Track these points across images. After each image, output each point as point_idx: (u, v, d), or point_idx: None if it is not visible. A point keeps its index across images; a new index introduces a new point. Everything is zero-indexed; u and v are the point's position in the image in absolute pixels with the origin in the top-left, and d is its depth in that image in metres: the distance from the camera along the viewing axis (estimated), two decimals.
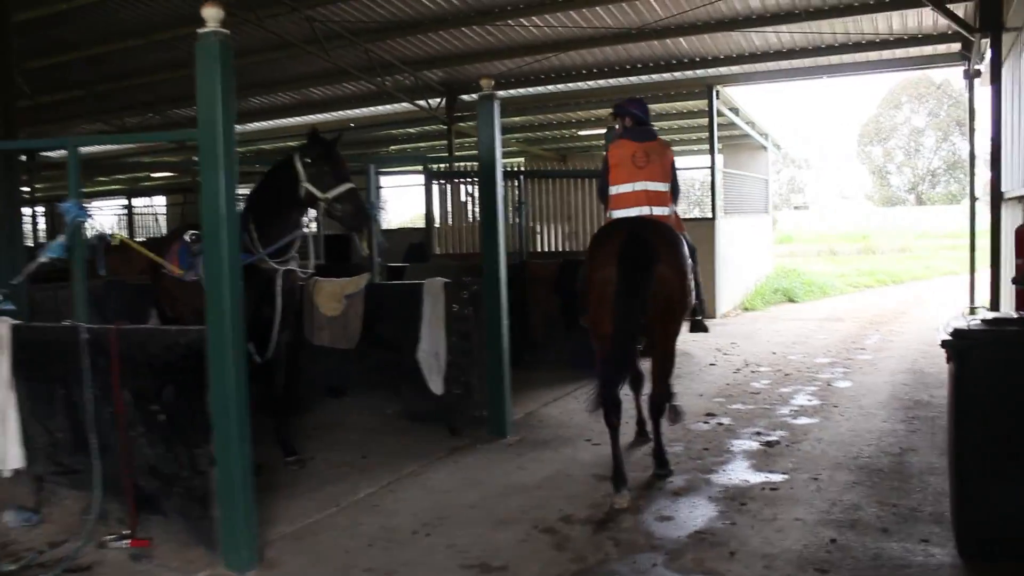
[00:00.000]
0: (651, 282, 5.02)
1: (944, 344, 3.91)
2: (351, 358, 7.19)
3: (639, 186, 5.69)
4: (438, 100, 16.01)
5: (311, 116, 18.06)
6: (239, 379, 4.15)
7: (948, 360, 3.97)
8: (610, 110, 6.60)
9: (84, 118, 18.13)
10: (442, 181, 11.90)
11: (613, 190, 5.80)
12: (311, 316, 7.22)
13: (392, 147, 20.87)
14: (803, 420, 6.82)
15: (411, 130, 18.84)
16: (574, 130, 18.73)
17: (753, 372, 9.00)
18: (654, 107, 16.31)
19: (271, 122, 18.80)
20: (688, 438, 6.34)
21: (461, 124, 16.79)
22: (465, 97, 16.13)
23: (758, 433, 6.44)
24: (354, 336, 7.06)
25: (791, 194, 64.79)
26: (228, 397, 4.13)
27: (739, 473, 5.49)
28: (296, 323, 6.18)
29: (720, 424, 6.79)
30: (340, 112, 17.67)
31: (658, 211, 5.67)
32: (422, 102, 15.81)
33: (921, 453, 5.76)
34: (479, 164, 6.50)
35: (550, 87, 15.20)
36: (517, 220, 9.76)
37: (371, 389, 7.18)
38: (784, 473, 5.44)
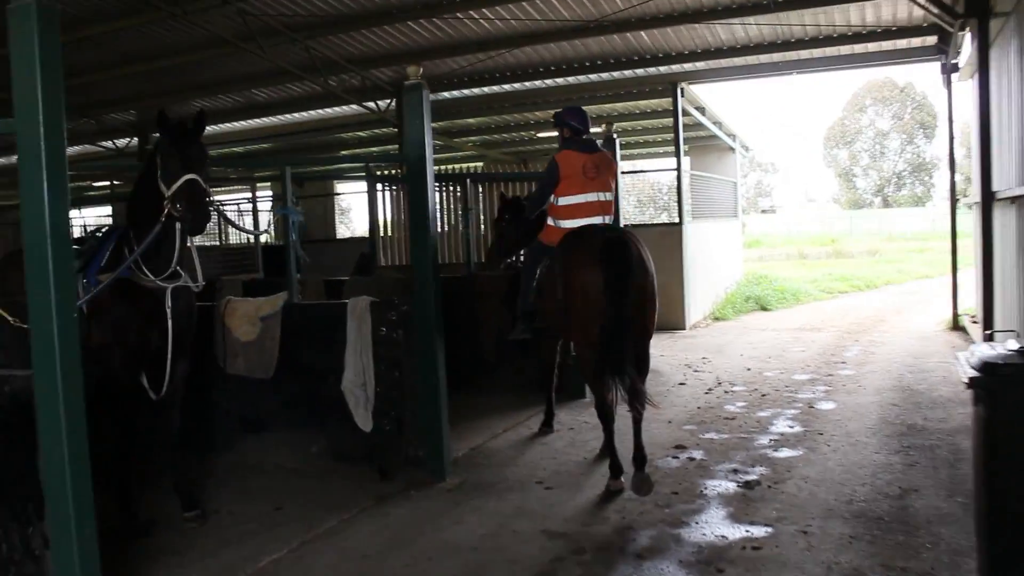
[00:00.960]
0: (636, 281, 5.20)
1: (972, 383, 3.07)
2: (270, 389, 6.25)
3: (591, 197, 5.79)
4: (388, 101, 15.09)
5: (257, 120, 17.08)
6: (76, 437, 3.24)
7: (975, 402, 3.14)
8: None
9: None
10: (389, 186, 11.01)
11: (564, 200, 5.83)
12: (223, 341, 6.29)
13: (343, 152, 19.89)
14: (785, 452, 5.99)
15: (361, 134, 17.87)
16: (533, 132, 17.89)
17: (727, 392, 8.18)
18: (616, 106, 15.60)
19: (217, 127, 17.75)
20: (656, 478, 5.48)
21: None
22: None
23: (735, 471, 5.59)
24: (270, 364, 6.13)
25: (758, 198, 64.66)
26: (62, 460, 3.22)
27: (714, 526, 4.63)
28: (197, 350, 5.23)
29: (691, 459, 5.94)
30: (286, 116, 16.68)
31: (609, 221, 5.89)
32: (371, 104, 14.87)
33: (924, 494, 4.95)
34: (405, 164, 5.61)
35: (506, 86, 14.33)
36: (463, 228, 8.88)
37: (293, 424, 6.24)
38: (767, 525, 4.59)
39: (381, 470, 5.68)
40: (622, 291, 5.05)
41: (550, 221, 5.95)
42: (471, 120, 16.87)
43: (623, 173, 22.06)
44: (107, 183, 21.95)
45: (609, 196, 5.88)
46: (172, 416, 4.95)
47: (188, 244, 4.72)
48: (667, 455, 6.04)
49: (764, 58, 12.31)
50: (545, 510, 5.00)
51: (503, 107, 15.57)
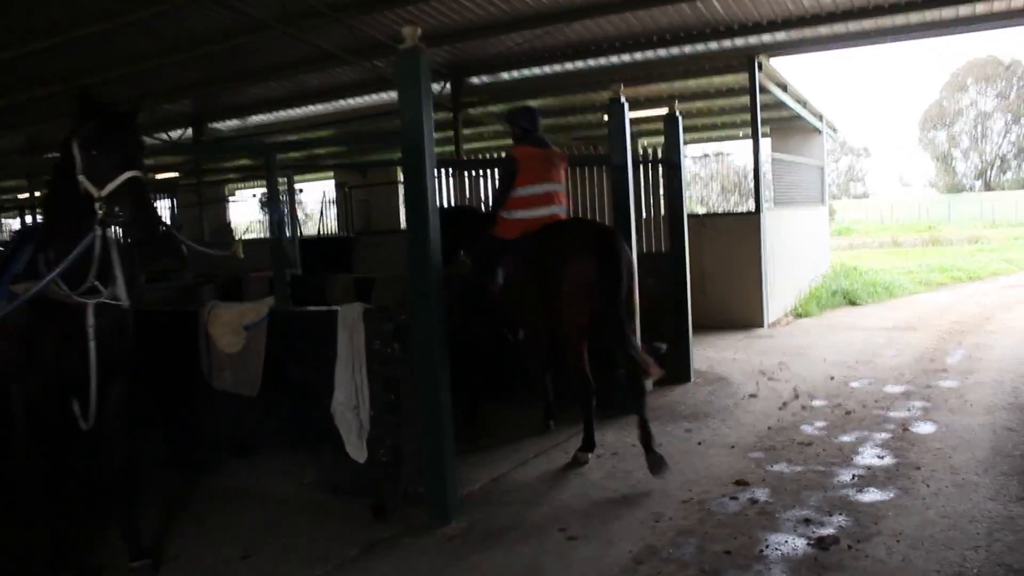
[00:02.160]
0: (625, 271, 5.49)
1: None
2: (261, 408, 5.44)
3: (548, 187, 6.02)
4: (441, 84, 14.23)
5: (310, 107, 16.47)
6: None
7: None
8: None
9: (62, 119, 16.77)
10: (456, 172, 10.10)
11: (523, 191, 5.96)
12: (207, 352, 5.51)
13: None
14: (872, 495, 4.84)
15: None
16: (601, 114, 16.71)
17: (804, 408, 7.00)
18: (688, 84, 14.32)
19: (270, 115, 17.23)
20: (705, 528, 4.43)
21: (470, 111, 14.97)
22: (474, 80, 14.33)
23: (807, 521, 4.48)
24: (255, 380, 5.31)
25: (850, 183, 61.79)
26: None
27: None
28: (178, 363, 4.41)
29: (753, 501, 4.84)
30: (338, 102, 16.01)
31: (563, 211, 6.11)
32: None
33: None
34: (402, 145, 4.67)
35: (568, 65, 13.26)
36: None
37: (285, 449, 5.41)
38: None
39: (375, 509, 4.78)
40: (616, 279, 5.37)
41: (504, 214, 6.02)
42: (532, 102, 15.82)
43: (694, 157, 20.78)
44: (174, 175, 21.77)
45: (561, 187, 6.14)
46: (110, 450, 4.14)
47: (113, 254, 3.90)
48: (724, 494, 4.96)
49: (853, 26, 10.91)
50: (561, 570, 4.02)
51: (566, 88, 14.49)
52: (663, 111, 8.34)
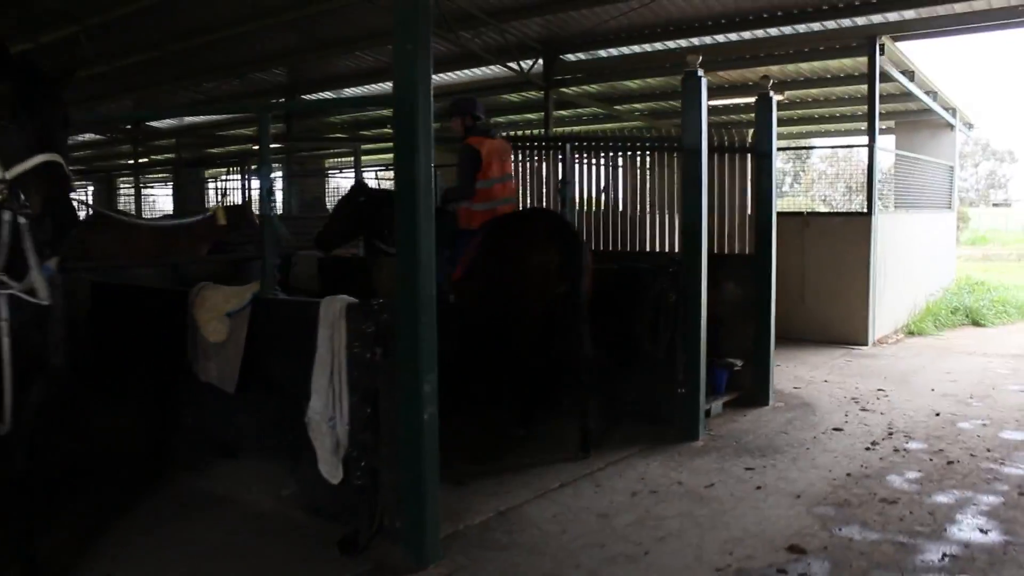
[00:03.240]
0: (585, 262, 5.68)
1: None
2: (244, 407, 4.80)
3: (506, 178, 6.16)
4: (532, 61, 13.38)
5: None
6: None
7: None
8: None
9: (158, 86, 16.84)
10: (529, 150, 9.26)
11: (485, 183, 5.97)
12: (194, 340, 4.90)
13: (493, 119, 18.35)
14: None
15: (512, 98, 16.23)
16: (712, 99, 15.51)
17: (897, 451, 5.86)
18: (801, 67, 13.00)
19: (362, 88, 16.79)
20: None
21: (563, 90, 14.04)
22: (569, 57, 13.39)
23: None
24: (233, 375, 4.66)
25: (990, 189, 57.57)
26: None
27: None
28: (61, 370, 3.76)
29: None
30: (435, 77, 15.37)
31: (515, 201, 6.36)
32: (514, 64, 13.22)
33: None
34: (393, 111, 3.88)
35: (669, 43, 12.18)
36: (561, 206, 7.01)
37: (267, 453, 4.74)
38: None
39: (343, 542, 4.02)
40: (578, 271, 5.54)
41: (467, 205, 5.99)
42: (632, 83, 14.79)
43: (797, 149, 19.04)
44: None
45: (511, 177, 6.30)
46: (15, 458, 3.52)
47: (26, 242, 3.24)
48: (771, 564, 3.97)
49: (999, 1, 9.44)
50: None
51: (666, 68, 13.38)
52: (777, 97, 7.26)
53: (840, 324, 10.18)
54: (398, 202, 3.83)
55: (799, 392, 7.64)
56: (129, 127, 20.74)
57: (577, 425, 5.71)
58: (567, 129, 18.09)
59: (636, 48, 12.59)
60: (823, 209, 20.77)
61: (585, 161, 8.18)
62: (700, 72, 5.93)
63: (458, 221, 6.01)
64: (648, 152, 8.01)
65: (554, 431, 6.10)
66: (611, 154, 8.29)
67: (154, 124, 21.13)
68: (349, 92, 17.39)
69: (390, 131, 19.03)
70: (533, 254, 5.53)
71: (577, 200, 7.77)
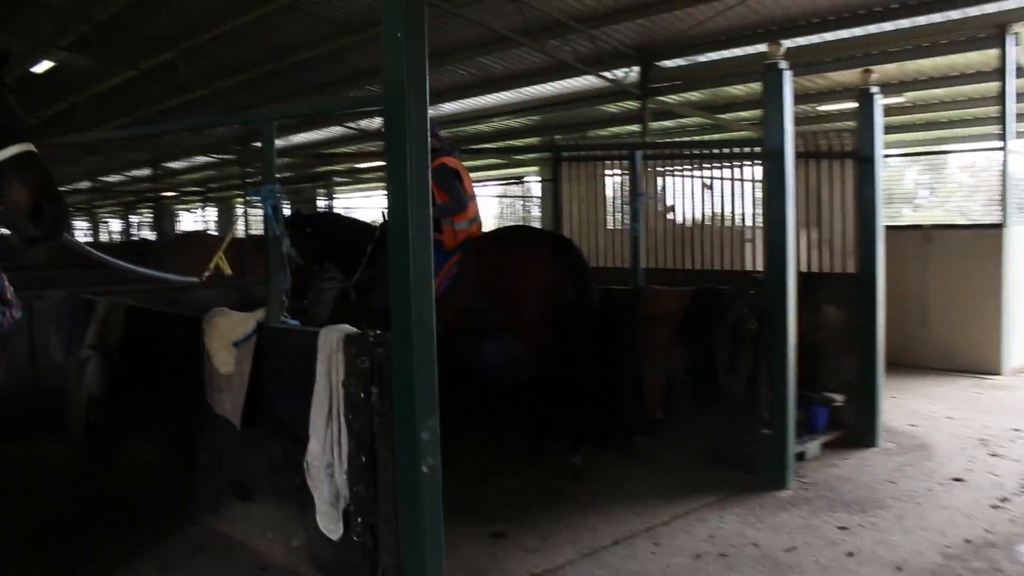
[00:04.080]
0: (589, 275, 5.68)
1: None
2: (256, 445, 4.34)
3: (474, 197, 6.13)
4: (627, 70, 12.68)
5: (491, 96, 15.50)
6: None
7: None
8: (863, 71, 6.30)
9: (254, 107, 17.01)
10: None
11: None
12: (209, 370, 4.48)
13: (592, 132, 17.66)
14: None
15: (611, 108, 15.52)
16: (813, 104, 14.31)
17: None
18: (921, 64, 11.78)
19: (459, 103, 16.49)
20: None
21: (662, 99, 13.23)
22: (667, 63, 12.62)
23: None
24: (237, 408, 4.20)
25: None
26: None
27: None
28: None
29: None
30: (523, 89, 14.88)
31: None
32: (608, 73, 12.56)
33: None
34: (384, 115, 3.32)
35: (788, 42, 11.22)
36: (630, 221, 6.28)
37: (278, 497, 4.25)
38: None
39: None
40: (587, 288, 5.58)
41: (449, 223, 5.84)
42: (735, 89, 13.84)
43: (915, 155, 17.32)
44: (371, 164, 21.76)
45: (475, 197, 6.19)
46: None
47: None
48: None
49: None
50: None
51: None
52: (895, 99, 6.27)
53: (968, 350, 8.97)
54: (389, 219, 3.26)
55: (915, 431, 6.63)
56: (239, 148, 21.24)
57: (571, 430, 5.62)
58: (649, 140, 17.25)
59: (737, 51, 11.71)
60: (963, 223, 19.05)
61: (661, 171, 7.45)
62: (783, 64, 5.13)
63: (446, 241, 5.89)
64: (731, 160, 7.19)
65: (618, 473, 5.41)
66: (688, 163, 7.50)
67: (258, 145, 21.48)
68: (447, 108, 17.16)
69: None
70: (533, 267, 5.52)
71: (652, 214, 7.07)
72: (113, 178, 28.83)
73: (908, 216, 16.30)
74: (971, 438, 6.42)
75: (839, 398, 6.10)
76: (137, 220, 24.86)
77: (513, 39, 11.63)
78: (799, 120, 14.19)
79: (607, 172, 8.29)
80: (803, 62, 11.02)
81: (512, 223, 16.71)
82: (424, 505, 3.25)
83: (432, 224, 3.25)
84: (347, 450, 3.51)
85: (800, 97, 13.81)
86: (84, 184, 28.13)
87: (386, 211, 3.40)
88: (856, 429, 6.19)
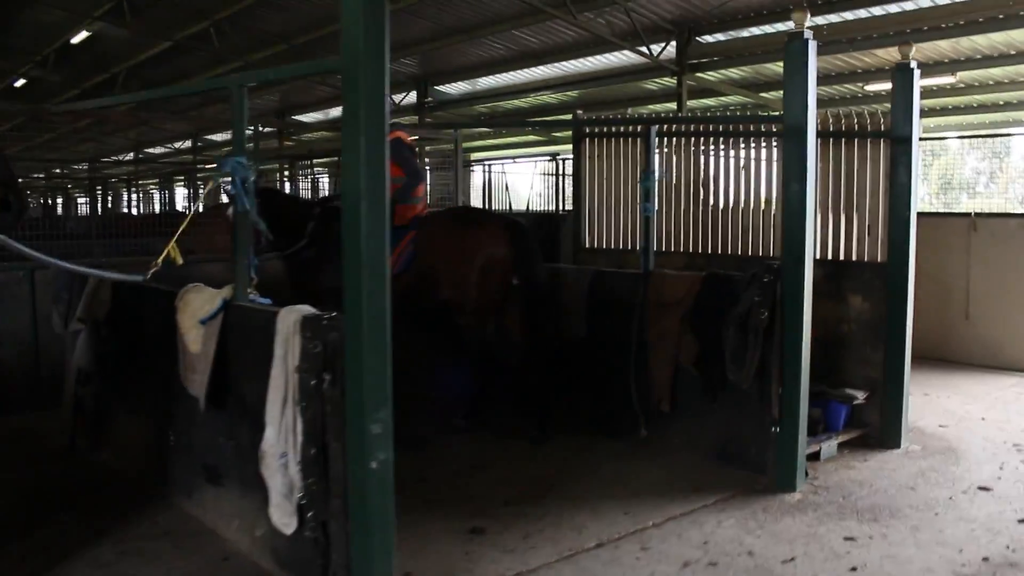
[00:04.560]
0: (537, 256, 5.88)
1: None
2: (222, 428, 4.14)
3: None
4: (662, 45, 12.22)
5: (528, 70, 15.14)
6: None
7: None
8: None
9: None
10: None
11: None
12: (181, 348, 4.29)
13: (632, 110, 17.17)
14: None
15: (649, 85, 15.05)
16: (861, 84, 13.64)
17: None
18: (976, 41, 11.11)
19: (495, 78, 16.16)
20: None
21: (700, 75, 12.74)
22: (706, 38, 12.14)
23: None
24: (201, 389, 4.01)
25: None
26: None
27: None
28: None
29: None
30: (560, 64, 14.49)
31: None
32: (644, 48, 12.13)
33: None
34: (342, 80, 3.03)
35: (819, 19, 10.68)
36: (641, 201, 5.91)
37: (245, 484, 4.03)
38: None
39: None
40: (533, 268, 5.76)
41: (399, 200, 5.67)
42: (779, 67, 13.23)
43: (975, 137, 16.38)
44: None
45: None
46: None
47: None
48: None
49: None
50: None
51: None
52: (944, 79, 5.71)
53: (1013, 346, 8.44)
54: (344, 193, 3.00)
55: (944, 432, 6.20)
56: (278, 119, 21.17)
57: (538, 408, 5.76)
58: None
59: (780, 26, 11.17)
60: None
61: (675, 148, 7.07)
62: (808, 34, 4.73)
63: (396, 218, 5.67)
64: (754, 138, 6.76)
65: (619, 467, 5.13)
66: (701, 139, 7.08)
67: (300, 118, 21.45)
68: (484, 83, 16.86)
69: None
70: (490, 247, 5.65)
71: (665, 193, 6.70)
72: (157, 150, 29.13)
73: (965, 204, 15.58)
74: (1005, 442, 5.97)
75: (860, 395, 5.71)
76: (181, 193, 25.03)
77: (547, 11, 11.29)
78: (844, 100, 13.62)
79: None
80: (848, 37, 10.48)
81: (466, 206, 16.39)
82: (373, 503, 3.00)
83: (389, 200, 2.98)
84: (300, 440, 3.28)
85: (846, 76, 13.23)
86: (129, 155, 28.47)
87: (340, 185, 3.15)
88: (879, 428, 5.80)
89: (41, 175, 22.23)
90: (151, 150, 28.98)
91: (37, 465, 5.33)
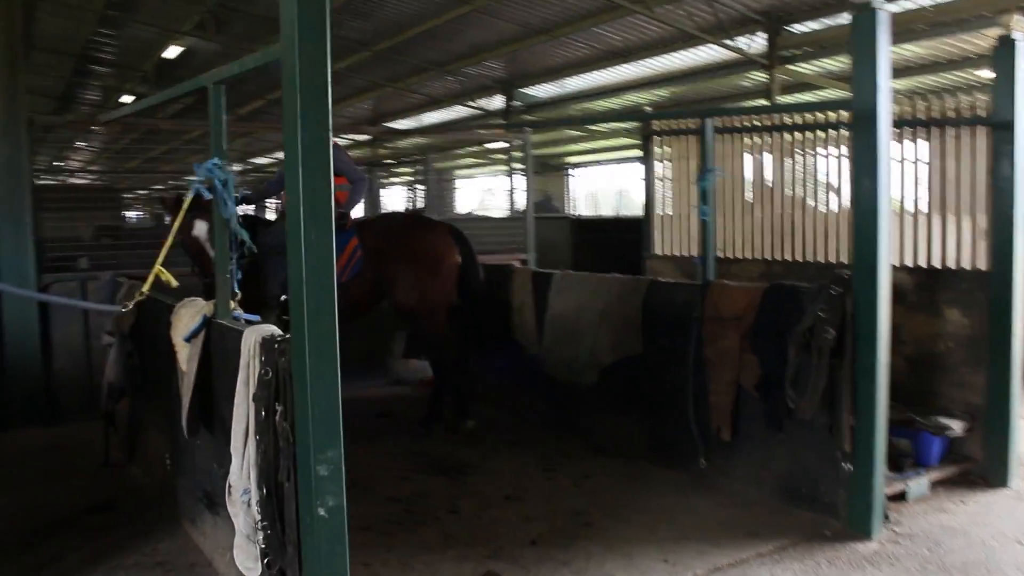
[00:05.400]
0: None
1: None
2: (212, 453, 3.82)
3: None
4: (750, 38, 11.45)
5: (614, 69, 14.55)
6: None
7: None
8: None
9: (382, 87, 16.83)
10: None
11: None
12: (177, 365, 4.01)
13: (728, 105, 16.27)
14: None
15: (743, 82, 14.20)
16: (971, 69, 12.37)
17: None
18: None
19: (578, 78, 15.64)
20: None
21: (792, 68, 11.87)
22: (799, 27, 11.29)
23: None
24: (183, 411, 3.70)
25: None
26: None
27: None
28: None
29: None
30: (646, 62, 13.85)
31: None
32: (730, 41, 11.39)
33: None
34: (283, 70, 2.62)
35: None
36: (698, 203, 5.26)
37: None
38: None
39: None
40: (475, 272, 6.16)
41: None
42: (905, 50, 12.20)
43: None
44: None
45: None
46: None
47: None
48: None
49: None
50: None
51: (924, 31, 10.73)
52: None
53: None
54: (287, 199, 2.59)
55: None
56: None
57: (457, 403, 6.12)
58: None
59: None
60: None
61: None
62: (878, 3, 4.05)
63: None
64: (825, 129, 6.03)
65: (668, 502, 4.55)
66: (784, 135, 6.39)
67: (394, 125, 21.46)
68: (571, 83, 16.38)
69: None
70: (443, 252, 5.92)
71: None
72: (263, 160, 29.84)
73: None
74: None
75: (958, 424, 4.93)
76: None
77: (625, 6, 10.74)
78: (957, 91, 12.36)
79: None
80: (955, 18, 9.48)
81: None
82: (323, 555, 2.58)
83: (333, 205, 2.56)
84: (255, 477, 2.89)
85: (958, 63, 12.08)
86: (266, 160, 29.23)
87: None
88: (982, 465, 4.99)
89: (162, 187, 23.04)
90: (257, 160, 29.73)
91: (64, 479, 5.22)
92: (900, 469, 4.77)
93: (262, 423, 2.80)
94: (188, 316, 3.79)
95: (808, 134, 6.44)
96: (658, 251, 7.57)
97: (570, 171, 27.38)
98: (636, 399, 5.52)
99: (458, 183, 26.48)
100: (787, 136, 6.49)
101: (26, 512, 4.66)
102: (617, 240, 9.86)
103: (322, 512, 2.56)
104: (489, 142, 16.38)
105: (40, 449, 5.93)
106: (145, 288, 3.51)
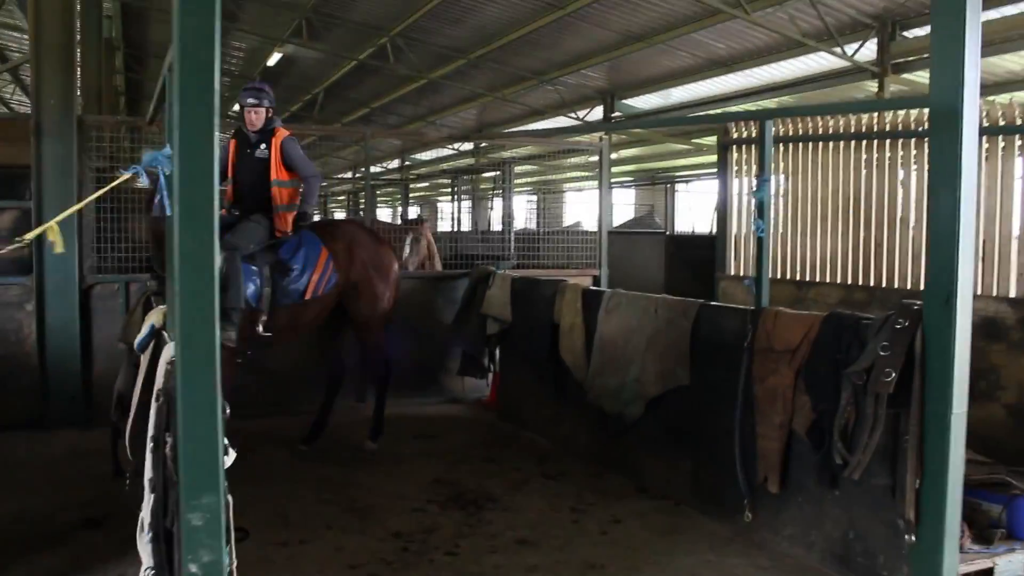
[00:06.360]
0: None
1: None
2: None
3: None
4: (859, 43, 10.53)
5: (719, 79, 13.78)
6: None
7: None
8: None
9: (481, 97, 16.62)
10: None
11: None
12: None
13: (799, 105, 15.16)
14: None
15: (856, 93, 13.13)
16: None
17: None
18: None
19: (684, 89, 14.93)
20: None
21: (907, 76, 10.81)
22: (915, 32, 10.28)
23: None
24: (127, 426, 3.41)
25: None
26: None
27: None
28: None
29: None
30: (752, 72, 13.03)
31: None
32: (838, 48, 10.51)
33: None
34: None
35: None
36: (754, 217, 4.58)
37: None
38: None
39: None
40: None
41: (286, 207, 5.58)
42: (1009, 60, 10.97)
43: None
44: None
45: None
46: None
47: None
48: None
49: None
50: None
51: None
52: None
53: None
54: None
55: None
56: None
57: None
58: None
59: (1011, 9, 9.16)
60: None
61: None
62: None
63: (282, 224, 5.60)
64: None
65: (705, 559, 3.92)
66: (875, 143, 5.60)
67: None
68: (676, 94, 15.69)
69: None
70: (393, 262, 6.12)
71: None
72: (376, 168, 30.29)
73: None
74: None
75: None
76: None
77: (724, 11, 10.06)
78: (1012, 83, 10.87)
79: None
80: None
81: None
82: None
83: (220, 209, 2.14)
84: (148, 518, 2.51)
85: None
86: (348, 174, 29.79)
87: None
88: None
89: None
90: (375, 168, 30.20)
91: (69, 489, 5.05)
92: (989, 542, 3.97)
93: (155, 458, 2.41)
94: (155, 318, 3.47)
95: (901, 143, 5.64)
96: (732, 271, 6.88)
97: (675, 186, 26.57)
98: (681, 436, 4.91)
99: (567, 196, 26.10)
100: (873, 144, 5.71)
101: (21, 519, 4.50)
102: (711, 259, 9.25)
103: (194, 569, 2.12)
104: (567, 150, 15.96)
105: (69, 455, 5.81)
106: (27, 237, 3.23)
